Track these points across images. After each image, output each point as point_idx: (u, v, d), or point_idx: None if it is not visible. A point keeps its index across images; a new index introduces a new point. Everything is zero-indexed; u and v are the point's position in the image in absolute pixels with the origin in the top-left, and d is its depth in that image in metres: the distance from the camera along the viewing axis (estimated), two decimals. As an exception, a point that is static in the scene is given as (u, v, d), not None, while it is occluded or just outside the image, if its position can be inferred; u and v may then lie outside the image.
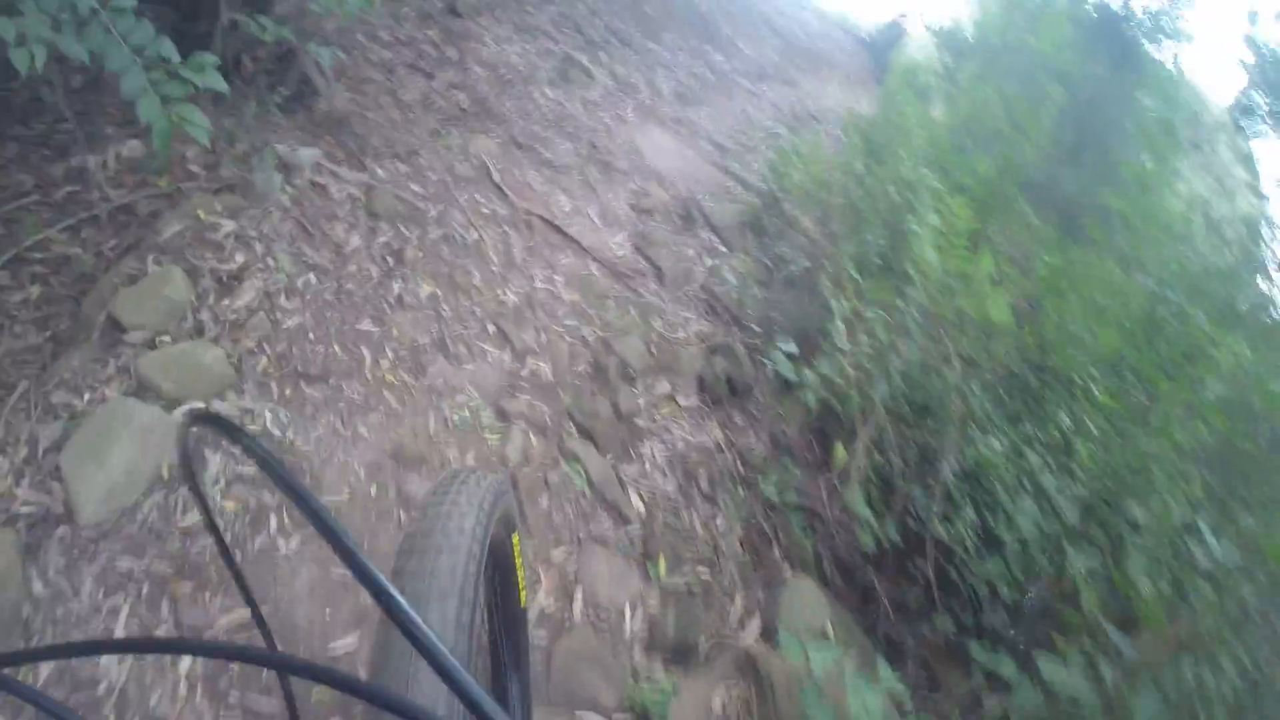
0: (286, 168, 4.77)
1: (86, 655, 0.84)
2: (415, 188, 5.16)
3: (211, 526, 0.80)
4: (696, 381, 4.78)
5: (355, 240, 4.51)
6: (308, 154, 4.88)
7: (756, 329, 5.29)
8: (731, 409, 4.82)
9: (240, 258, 4.02)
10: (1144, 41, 10.41)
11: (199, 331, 3.60)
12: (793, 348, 4.18)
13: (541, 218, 5.48)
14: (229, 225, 4.13)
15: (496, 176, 5.68)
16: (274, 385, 3.53)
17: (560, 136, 6.99)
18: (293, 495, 0.55)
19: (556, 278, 5.01)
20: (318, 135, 5.46)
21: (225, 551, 0.79)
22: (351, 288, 4.16)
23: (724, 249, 6.31)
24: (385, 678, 1.01)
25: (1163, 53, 10.42)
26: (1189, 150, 11.28)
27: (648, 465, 4.13)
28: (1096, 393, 3.90)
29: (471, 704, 0.51)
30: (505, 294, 4.62)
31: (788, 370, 4.03)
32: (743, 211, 6.90)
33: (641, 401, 4.41)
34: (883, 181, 5.54)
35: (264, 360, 3.58)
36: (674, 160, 7.70)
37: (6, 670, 0.66)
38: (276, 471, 0.57)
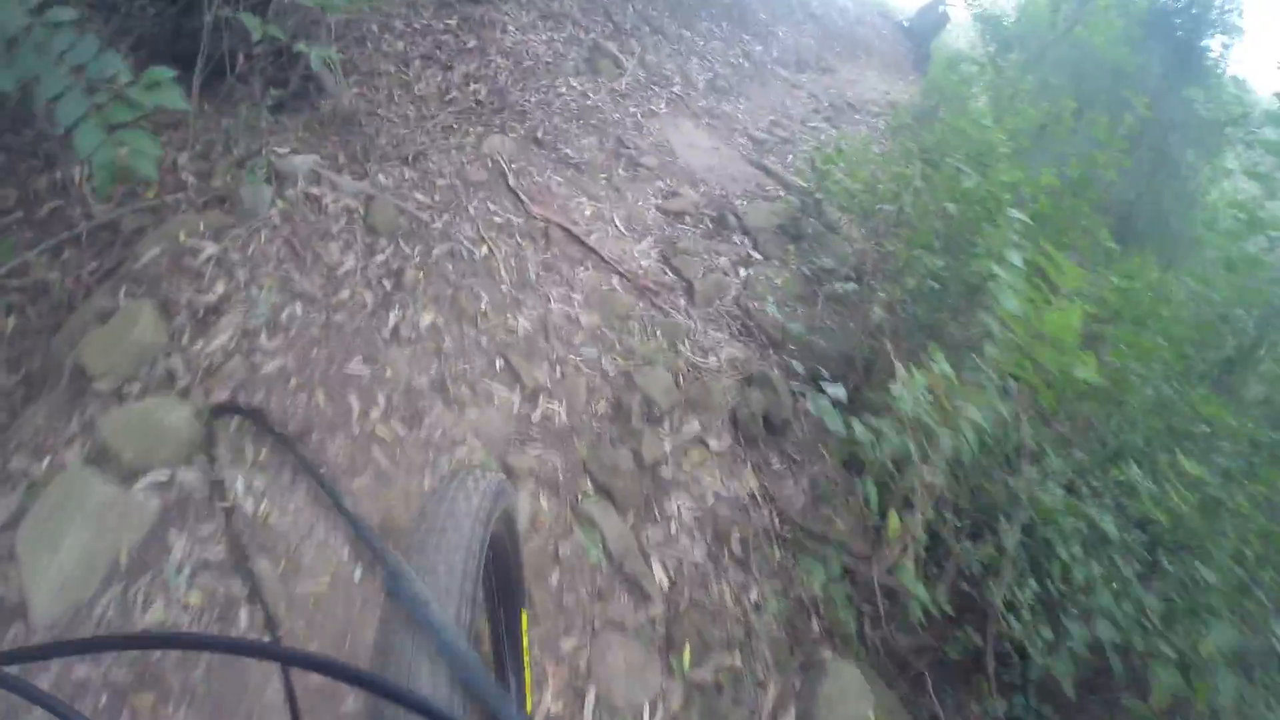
0: (280, 177, 4.24)
1: (88, 652, 0.83)
2: (420, 196, 4.60)
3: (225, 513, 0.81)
4: (729, 419, 4.21)
5: (350, 261, 3.97)
6: (303, 161, 4.33)
7: (796, 356, 4.70)
8: (768, 449, 4.25)
9: (220, 287, 3.51)
10: (1197, 36, 9.71)
11: (169, 379, 3.11)
12: (840, 391, 3.60)
13: (560, 226, 4.91)
14: (210, 248, 3.62)
15: (512, 180, 5.11)
16: (248, 446, 3.01)
17: (585, 131, 6.40)
18: (330, 495, 0.46)
19: (574, 296, 4.44)
20: (322, 135, 4.92)
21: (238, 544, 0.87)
22: (342, 320, 3.62)
23: (759, 257, 5.70)
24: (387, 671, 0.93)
25: (1213, 46, 9.70)
26: (1241, 151, 10.54)
27: (673, 526, 3.58)
28: (1182, 461, 3.32)
29: (474, 688, 0.56)
30: (516, 319, 4.06)
31: (835, 422, 3.46)
32: (780, 213, 6.28)
33: (668, 446, 3.85)
34: (939, 193, 4.91)
35: (237, 416, 3.08)
36: (707, 157, 7.09)
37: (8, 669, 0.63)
38: (311, 470, 0.51)
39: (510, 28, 7.38)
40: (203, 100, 4.43)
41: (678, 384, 4.16)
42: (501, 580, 1.47)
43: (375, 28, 6.45)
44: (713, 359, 4.45)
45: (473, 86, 6.34)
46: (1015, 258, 3.21)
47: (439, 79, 6.23)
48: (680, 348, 4.40)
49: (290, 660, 0.63)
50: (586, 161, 5.90)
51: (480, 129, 5.67)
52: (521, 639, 1.49)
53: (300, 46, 3.90)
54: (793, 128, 8.83)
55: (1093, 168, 4.89)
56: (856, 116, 10.51)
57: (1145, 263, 5.08)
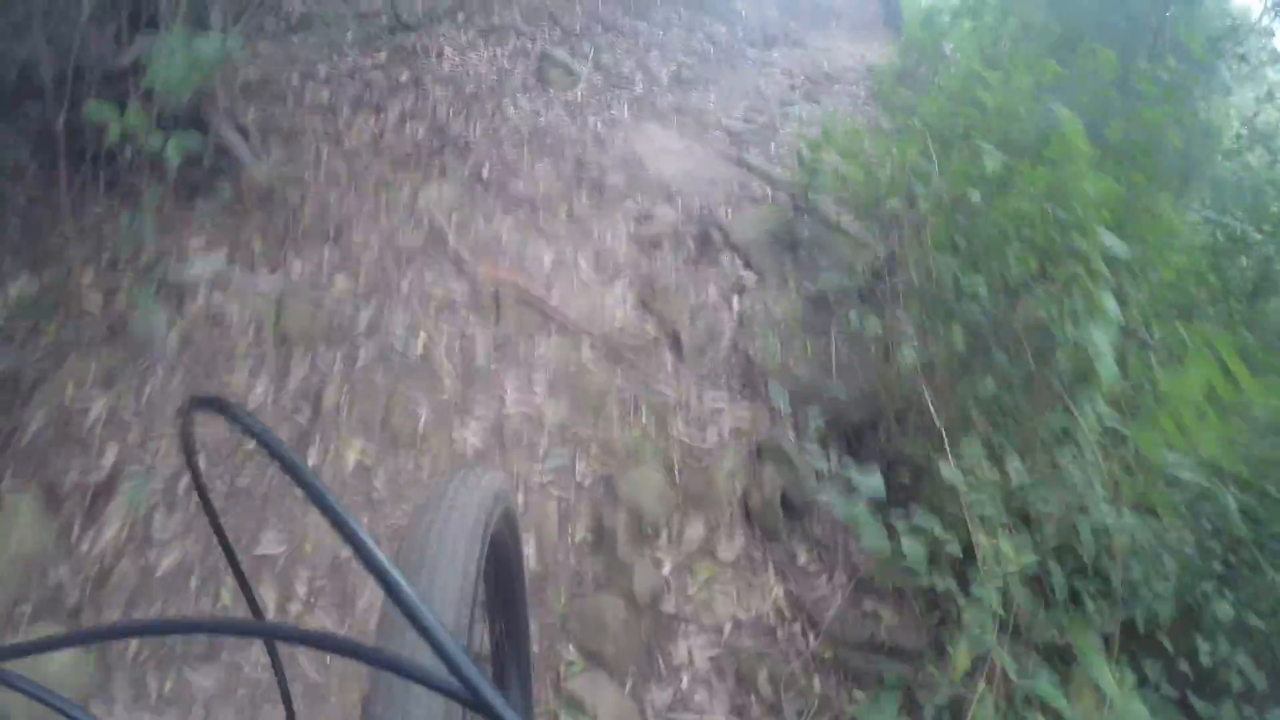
0: (179, 291, 3.42)
1: (85, 643, 0.82)
2: (343, 282, 3.74)
3: (209, 509, 0.71)
4: (740, 510, 3.36)
5: (260, 387, 3.14)
6: (206, 265, 3.51)
7: (810, 406, 3.82)
8: (791, 540, 3.40)
9: (111, 454, 2.78)
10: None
11: (57, 596, 2.34)
12: (876, 484, 2.73)
13: (514, 287, 4.03)
14: (100, 404, 2.82)
15: (453, 238, 4.23)
16: (150, 679, 2.20)
17: (538, 156, 5.50)
18: (298, 479, 0.50)
19: (536, 383, 3.57)
20: (241, 218, 4.11)
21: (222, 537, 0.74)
22: (247, 483, 2.77)
23: (753, 279, 4.80)
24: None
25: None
26: (1233, 61, 9.73)
27: (685, 679, 2.73)
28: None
29: (466, 682, 0.47)
30: (464, 433, 3.20)
31: (876, 537, 2.58)
32: (770, 218, 5.38)
33: (667, 568, 3.01)
34: (956, 179, 4.00)
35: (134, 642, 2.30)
36: (680, 162, 6.18)
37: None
38: (282, 455, 0.52)
39: (447, 51, 6.47)
40: (100, 201, 3.60)
41: (673, 480, 3.30)
42: (503, 581, 1.35)
43: (296, 78, 5.57)
44: (712, 433, 3.58)
45: (409, 127, 5.47)
46: (1109, 303, 2.31)
47: (371, 125, 5.36)
48: (671, 428, 3.53)
49: (275, 635, 0.63)
50: (542, 194, 5.00)
51: (417, 177, 4.79)
52: (524, 640, 1.36)
53: (148, 143, 3.06)
54: (770, 111, 7.88)
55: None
56: (836, 88, 9.55)
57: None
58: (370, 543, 0.49)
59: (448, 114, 5.73)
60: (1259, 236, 4.97)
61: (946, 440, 2.87)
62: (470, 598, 0.96)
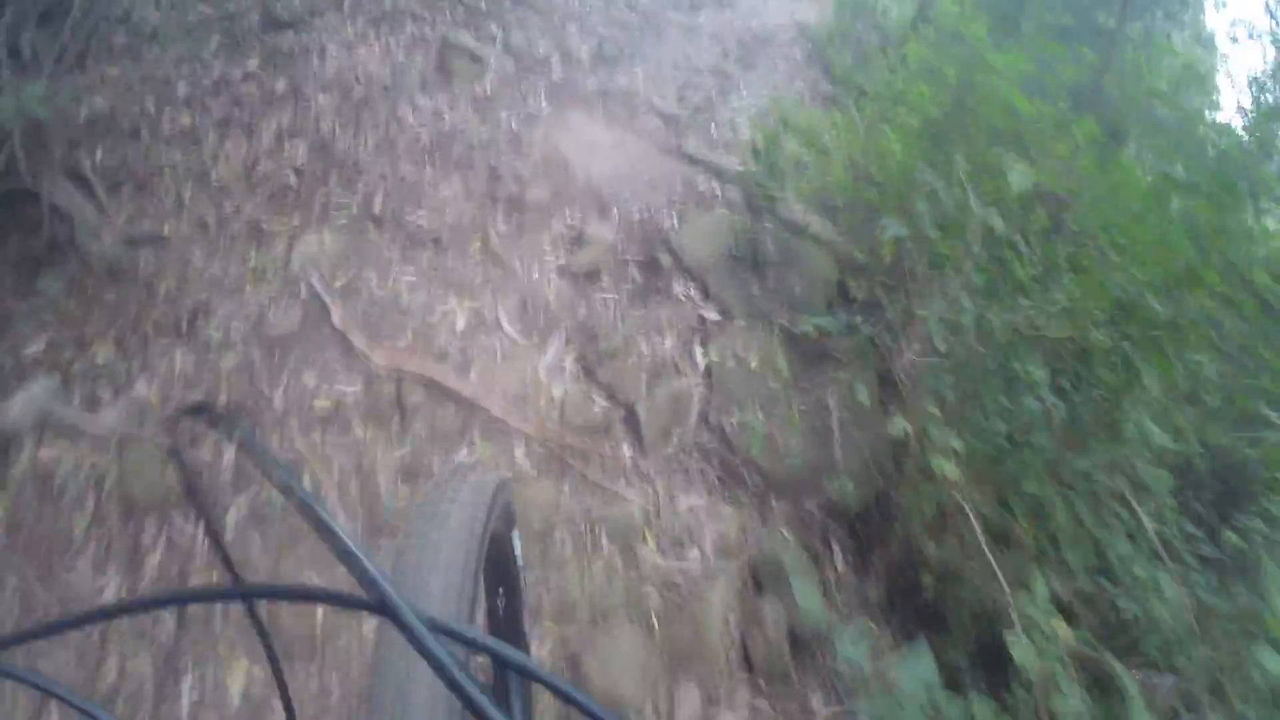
0: (3, 444, 2.41)
1: (77, 628, 0.77)
2: (198, 399, 2.72)
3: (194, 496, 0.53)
4: (740, 660, 2.44)
5: (107, 581, 2.15)
6: (31, 402, 2.51)
7: (807, 498, 2.90)
8: (805, 684, 2.50)
9: None
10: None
11: None
12: (929, 670, 1.85)
13: (420, 376, 3.03)
14: None
15: (338, 314, 3.21)
16: None
17: (444, 173, 4.46)
18: (283, 489, 0.53)
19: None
20: (85, 306, 3.09)
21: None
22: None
23: (716, 317, 3.84)
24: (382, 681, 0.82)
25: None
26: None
27: None
28: None
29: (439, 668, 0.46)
30: (371, 627, 2.22)
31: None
32: (726, 228, 4.41)
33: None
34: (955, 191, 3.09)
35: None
36: (613, 159, 5.16)
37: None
38: (266, 462, 0.57)
39: (331, 49, 5.33)
40: None
41: (652, 637, 2.36)
42: (503, 578, 1.27)
43: (152, 103, 4.43)
44: (694, 555, 2.66)
45: (288, 148, 4.39)
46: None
47: (243, 152, 4.29)
48: (642, 557, 2.58)
49: (252, 594, 0.62)
50: (450, 225, 3.97)
51: (295, 222, 3.74)
52: (523, 640, 1.32)
53: None
54: (706, 87, 6.86)
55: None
56: (770, 51, 8.54)
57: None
58: (358, 550, 0.48)
59: (333, 127, 4.65)
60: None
61: (1008, 593, 2.00)
62: (470, 595, 0.90)
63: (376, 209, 3.96)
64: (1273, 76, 8.60)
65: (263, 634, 0.78)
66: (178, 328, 3.08)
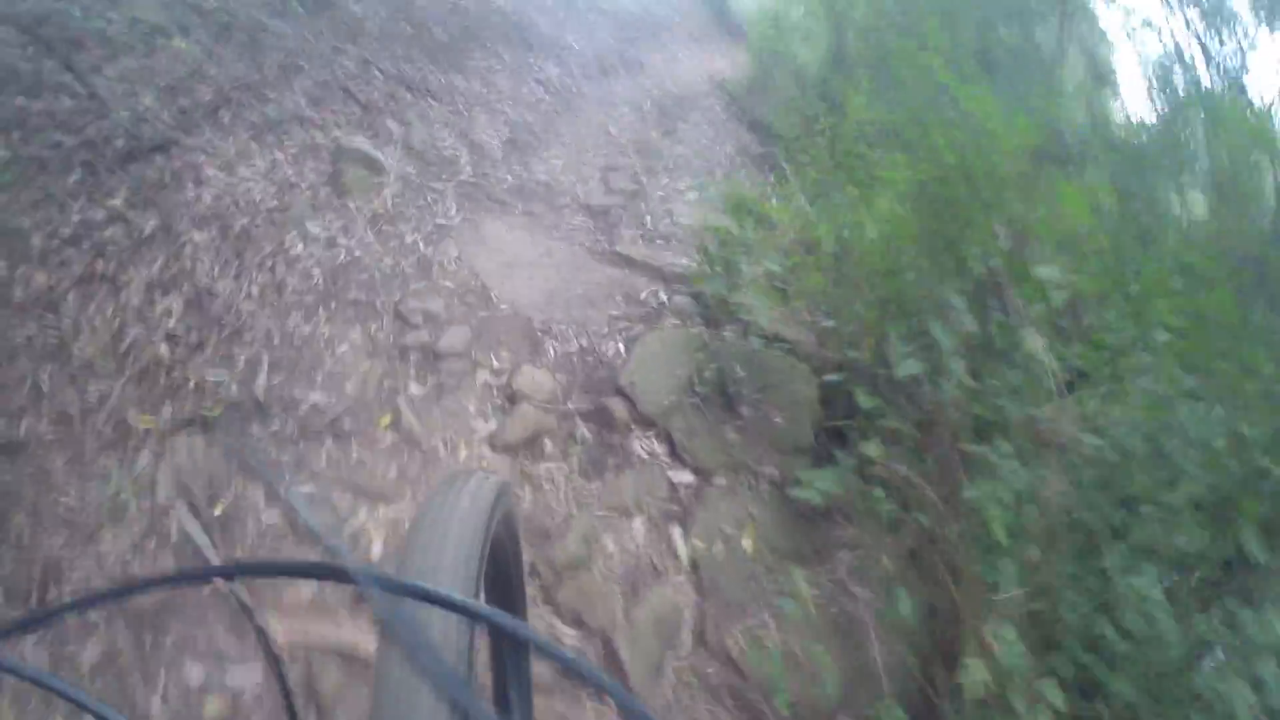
0: None
1: (73, 613, 0.75)
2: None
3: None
4: None
5: None
6: None
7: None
8: None
9: None
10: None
11: None
12: None
13: (331, 646, 2.13)
14: None
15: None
16: None
17: (341, 323, 3.59)
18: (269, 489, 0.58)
19: None
20: None
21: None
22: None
23: (690, 479, 3.01)
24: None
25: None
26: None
27: None
28: None
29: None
30: None
31: None
32: (686, 354, 3.60)
33: None
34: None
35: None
36: (540, 276, 4.32)
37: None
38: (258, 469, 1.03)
39: (207, 172, 4.41)
40: None
41: None
42: (503, 586, 1.20)
43: (2, 265, 3.51)
44: None
45: (160, 306, 3.49)
46: None
47: (108, 314, 3.38)
48: None
49: (238, 572, 0.57)
50: (351, 401, 3.10)
51: (165, 416, 2.84)
52: (525, 671, 1.12)
53: None
54: (631, 165, 6.09)
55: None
56: (692, 114, 7.85)
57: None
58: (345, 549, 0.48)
59: (212, 271, 3.75)
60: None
61: None
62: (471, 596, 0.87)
63: (259, 389, 3.06)
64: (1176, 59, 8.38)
65: (247, 612, 0.35)
66: (27, 596, 2.17)
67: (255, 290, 3.72)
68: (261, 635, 0.76)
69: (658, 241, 4.78)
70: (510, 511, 1.15)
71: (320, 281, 3.82)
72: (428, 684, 0.43)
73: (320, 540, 0.77)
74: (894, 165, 3.30)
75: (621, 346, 3.75)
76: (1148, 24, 7.96)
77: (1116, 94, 8.90)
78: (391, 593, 0.46)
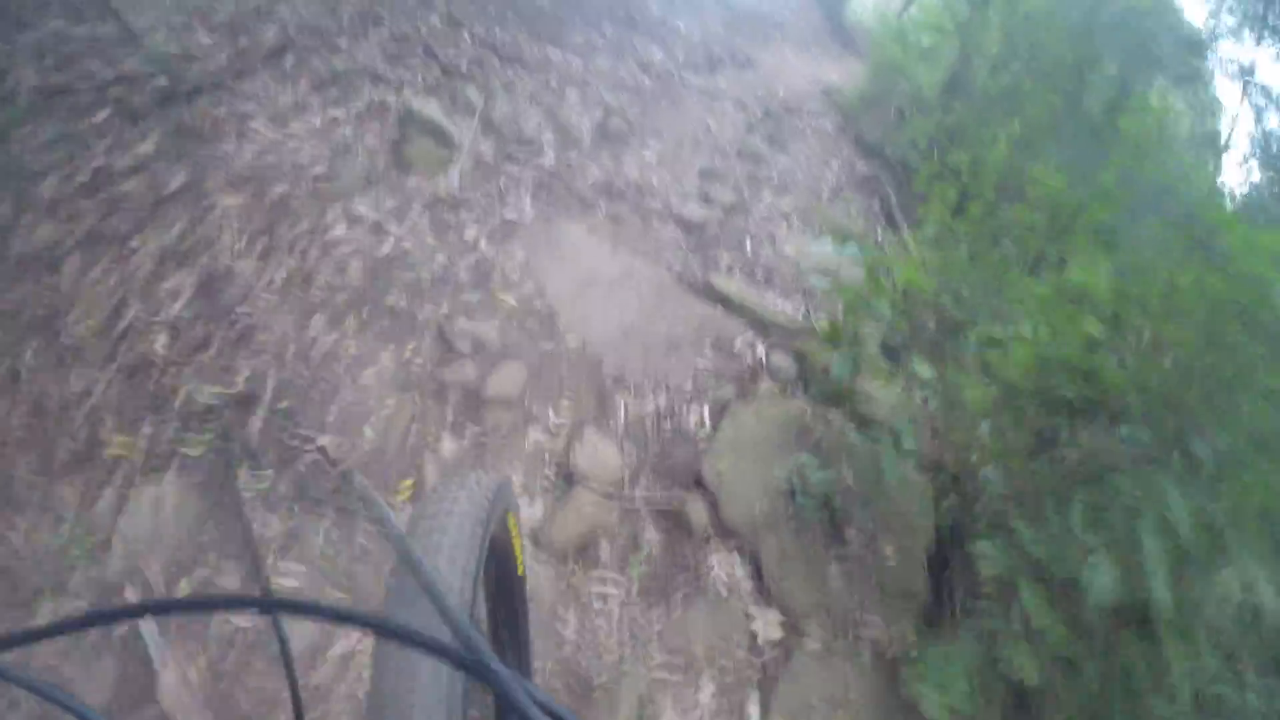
0: None
1: (80, 629, 0.63)
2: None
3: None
4: None
5: None
6: None
7: None
8: None
9: None
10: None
11: None
12: None
13: None
14: None
15: (169, 691, 1.58)
16: None
17: (372, 332, 2.85)
18: (384, 532, 0.70)
19: None
20: None
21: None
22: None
23: (775, 624, 2.22)
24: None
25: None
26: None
27: None
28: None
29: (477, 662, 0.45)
30: None
31: None
32: (780, 436, 2.80)
33: None
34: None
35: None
36: (618, 304, 3.52)
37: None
38: (370, 505, 0.97)
39: (255, 124, 3.70)
40: None
41: None
42: (502, 584, 1.20)
43: (7, 208, 2.84)
44: None
45: (169, 284, 2.79)
46: None
47: (111, 285, 2.71)
48: None
49: (279, 608, 0.54)
50: (370, 449, 2.34)
51: (140, 443, 2.18)
52: (524, 641, 1.23)
53: None
54: (733, 173, 5.26)
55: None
56: (799, 123, 6.97)
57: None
58: (391, 516, 0.66)
59: (235, 248, 3.03)
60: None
61: None
62: (469, 598, 0.85)
63: (258, 421, 2.32)
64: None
65: (284, 647, 0.67)
66: None
67: (280, 277, 2.99)
68: (288, 663, 0.59)
69: (758, 275, 3.95)
70: (511, 510, 1.06)
71: (357, 277, 3.08)
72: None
73: (434, 595, 0.45)
74: (1087, 261, 2.45)
75: (706, 414, 2.95)
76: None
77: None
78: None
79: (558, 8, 6.37)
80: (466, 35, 5.45)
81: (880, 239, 5.48)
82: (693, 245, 4.07)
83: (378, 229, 3.40)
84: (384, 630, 0.53)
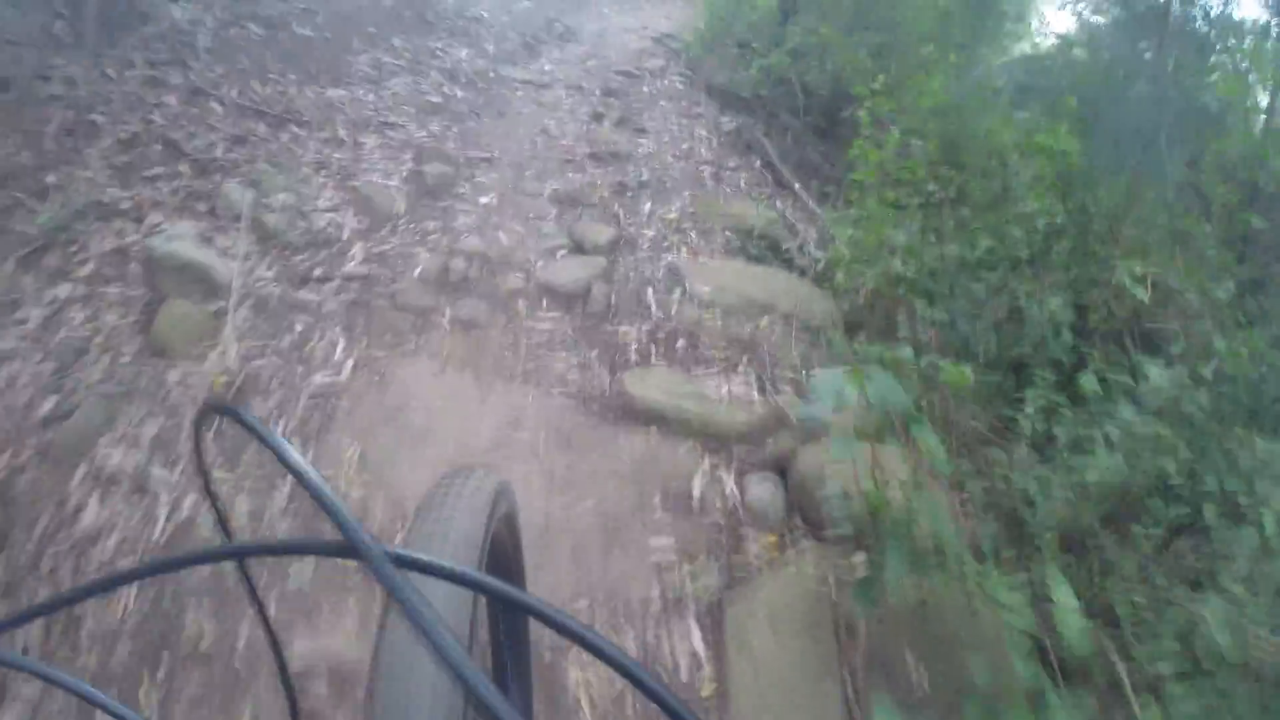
0: None
1: (71, 604, 0.62)
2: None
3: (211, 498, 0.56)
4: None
5: None
6: None
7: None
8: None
9: None
10: None
11: None
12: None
13: None
14: None
15: None
16: None
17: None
18: (297, 476, 0.42)
19: None
20: None
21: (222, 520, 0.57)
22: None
23: None
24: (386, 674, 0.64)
25: None
26: None
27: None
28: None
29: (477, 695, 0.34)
30: None
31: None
32: (816, 643, 1.68)
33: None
34: None
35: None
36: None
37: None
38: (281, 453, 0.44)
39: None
40: None
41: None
42: (503, 580, 0.65)
43: None
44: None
45: None
46: None
47: None
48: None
49: (245, 553, 0.47)
50: None
51: None
52: (524, 645, 1.04)
53: None
54: (595, 185, 3.99)
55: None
56: (645, 89, 5.71)
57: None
58: (368, 539, 0.39)
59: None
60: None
61: None
62: (469, 599, 0.73)
63: None
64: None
65: (252, 593, 0.61)
66: None
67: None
68: (264, 617, 0.57)
69: (678, 350, 2.75)
70: (511, 509, 0.97)
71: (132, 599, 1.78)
72: (431, 656, 0.33)
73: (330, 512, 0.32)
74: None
75: (697, 633, 1.80)
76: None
77: None
78: (399, 566, 0.37)
79: (328, 34, 4.89)
80: (217, 106, 3.99)
81: (787, 214, 4.33)
82: (582, 331, 2.83)
83: (140, 490, 2.07)
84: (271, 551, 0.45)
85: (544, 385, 2.52)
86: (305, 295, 2.83)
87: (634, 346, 2.75)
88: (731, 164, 4.78)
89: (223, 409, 0.48)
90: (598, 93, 5.36)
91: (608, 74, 5.71)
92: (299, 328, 2.68)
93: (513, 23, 5.98)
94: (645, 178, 4.15)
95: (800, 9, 6.31)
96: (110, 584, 0.53)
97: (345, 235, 3.19)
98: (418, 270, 3.01)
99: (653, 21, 7.33)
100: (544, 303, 2.90)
